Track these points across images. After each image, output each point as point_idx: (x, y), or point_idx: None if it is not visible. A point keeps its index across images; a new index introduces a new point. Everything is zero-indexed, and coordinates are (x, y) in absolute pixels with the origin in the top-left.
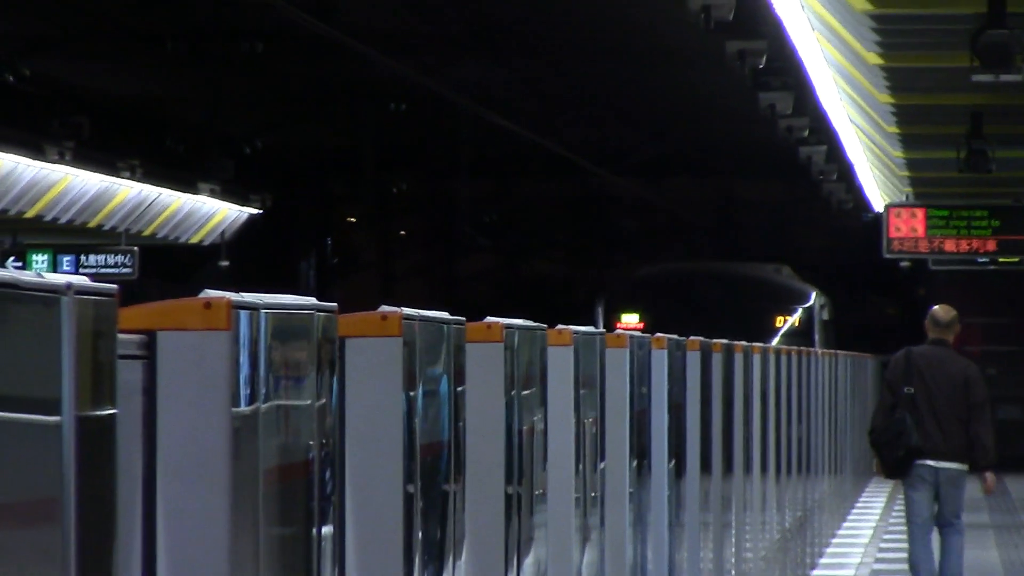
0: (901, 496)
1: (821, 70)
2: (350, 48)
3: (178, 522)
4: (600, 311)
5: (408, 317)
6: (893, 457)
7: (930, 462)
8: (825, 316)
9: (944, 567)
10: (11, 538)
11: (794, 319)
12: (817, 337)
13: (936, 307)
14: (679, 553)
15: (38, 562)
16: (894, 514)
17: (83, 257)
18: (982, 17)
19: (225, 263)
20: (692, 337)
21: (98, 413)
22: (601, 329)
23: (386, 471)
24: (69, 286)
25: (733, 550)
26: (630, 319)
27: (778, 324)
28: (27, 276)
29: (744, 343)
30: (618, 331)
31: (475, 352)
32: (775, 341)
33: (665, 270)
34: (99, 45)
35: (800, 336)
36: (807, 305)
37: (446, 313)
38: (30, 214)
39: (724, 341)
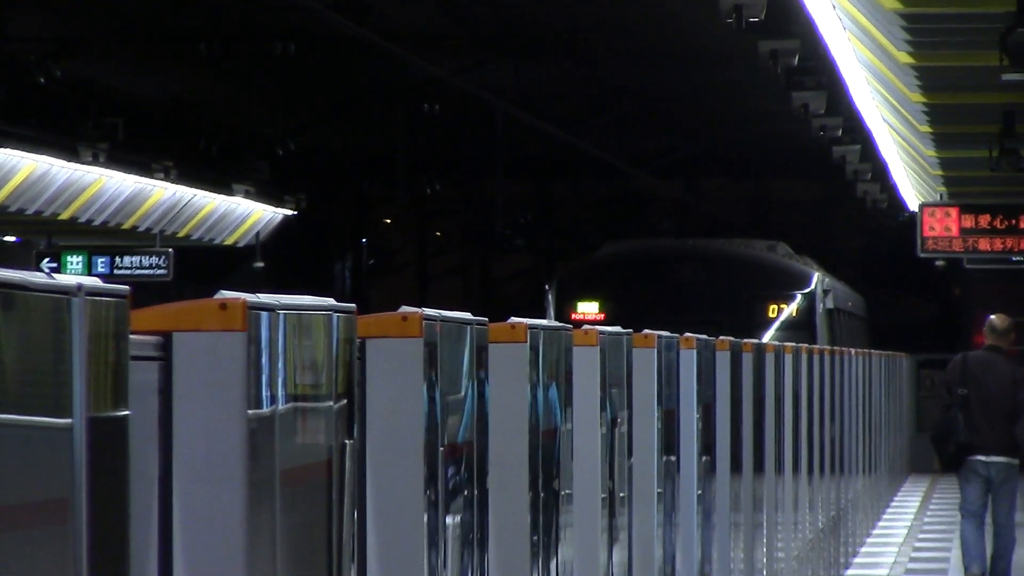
0: (936, 496)
1: (853, 69)
2: (384, 49)
3: (194, 524)
4: (551, 299)
5: (429, 318)
6: (946, 453)
7: (981, 457)
8: (830, 304)
9: (994, 568)
10: (23, 541)
11: (791, 309)
12: (819, 330)
13: (994, 316)
14: (709, 553)
15: (50, 565)
16: (929, 513)
17: (118, 259)
18: (1011, 16)
19: (260, 265)
20: (722, 337)
21: (110, 415)
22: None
23: (407, 472)
24: (80, 287)
25: (765, 550)
26: (588, 308)
27: (771, 315)
28: (38, 277)
29: (776, 343)
30: (645, 332)
31: (499, 352)
32: (768, 335)
33: (633, 248)
34: (132, 47)
35: (799, 328)
36: (807, 291)
37: (469, 314)
38: (64, 216)
39: (754, 341)
